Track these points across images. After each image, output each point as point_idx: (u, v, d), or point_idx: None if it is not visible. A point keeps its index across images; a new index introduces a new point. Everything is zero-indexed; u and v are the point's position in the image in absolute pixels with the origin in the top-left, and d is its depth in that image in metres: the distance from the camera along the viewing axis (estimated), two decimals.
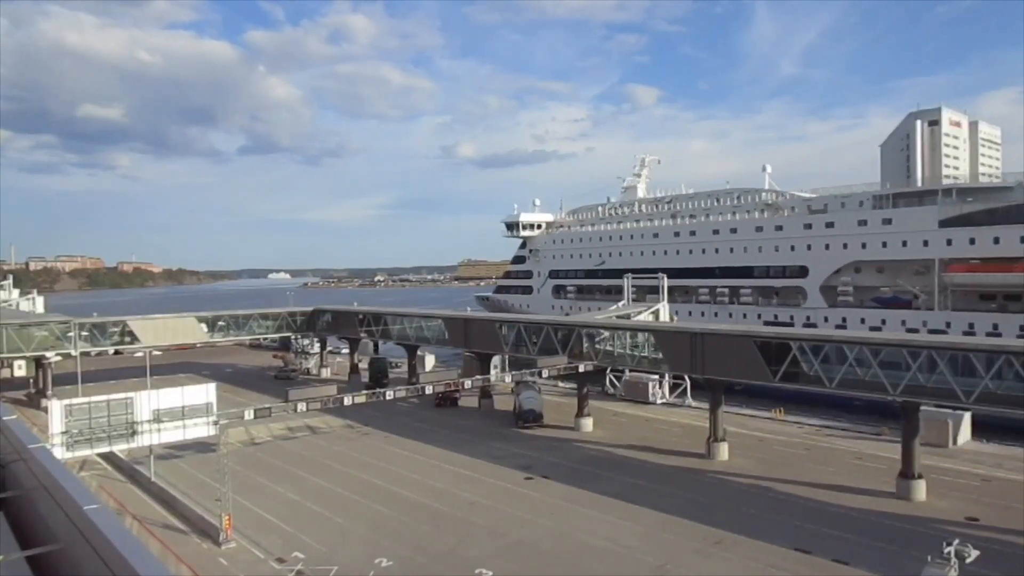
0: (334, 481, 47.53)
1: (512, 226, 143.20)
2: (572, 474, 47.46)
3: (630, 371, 69.75)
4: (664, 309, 78.59)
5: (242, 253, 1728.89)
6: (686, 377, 67.21)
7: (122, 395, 42.13)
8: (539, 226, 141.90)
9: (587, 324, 64.17)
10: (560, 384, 75.38)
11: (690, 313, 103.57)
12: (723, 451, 50.66)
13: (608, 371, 69.44)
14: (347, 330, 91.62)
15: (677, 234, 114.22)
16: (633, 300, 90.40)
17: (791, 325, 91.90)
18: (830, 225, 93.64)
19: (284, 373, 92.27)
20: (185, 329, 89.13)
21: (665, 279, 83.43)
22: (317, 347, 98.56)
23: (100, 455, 49.25)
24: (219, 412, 43.68)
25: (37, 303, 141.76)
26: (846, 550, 33.77)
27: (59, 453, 36.44)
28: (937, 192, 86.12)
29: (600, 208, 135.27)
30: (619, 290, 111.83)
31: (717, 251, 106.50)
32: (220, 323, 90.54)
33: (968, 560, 26.40)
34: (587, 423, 60.33)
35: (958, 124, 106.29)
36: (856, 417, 61.20)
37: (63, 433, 39.18)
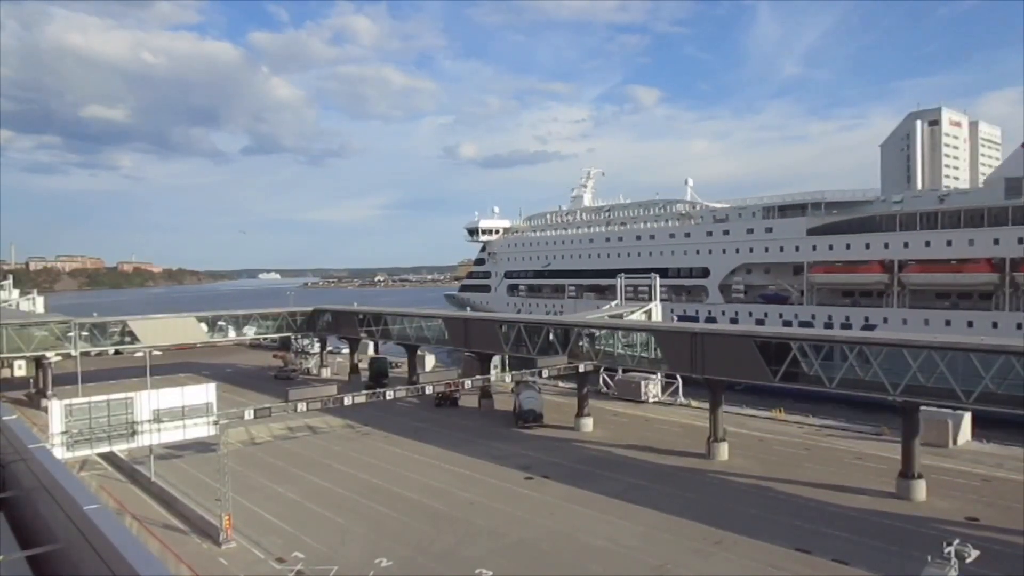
0: (334, 481, 47.49)
1: (473, 231, 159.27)
2: (572, 474, 47.41)
3: (623, 370, 69.98)
4: (656, 309, 79.01)
5: (242, 253, 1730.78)
6: (678, 376, 67.68)
7: (122, 395, 42.05)
8: (497, 231, 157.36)
9: (587, 324, 64.11)
10: (560, 384, 75.39)
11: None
12: (723, 451, 50.61)
13: (601, 370, 69.58)
14: (347, 330, 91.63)
15: (608, 239, 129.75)
16: (572, 298, 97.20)
17: (696, 319, 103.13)
18: (727, 233, 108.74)
19: (284, 373, 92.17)
20: (185, 329, 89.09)
21: (657, 279, 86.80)
22: (317, 347, 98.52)
23: (100, 455, 49.18)
24: (219, 412, 43.63)
25: (37, 303, 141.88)
26: (846, 550, 33.74)
27: (59, 453, 36.42)
28: (808, 204, 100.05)
29: (549, 215, 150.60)
30: (563, 289, 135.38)
31: (640, 254, 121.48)
32: (220, 323, 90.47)
33: (968, 560, 26.33)
34: (587, 423, 60.27)
35: (958, 124, 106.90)
36: (856, 417, 61.20)
37: (63, 433, 39.11)
